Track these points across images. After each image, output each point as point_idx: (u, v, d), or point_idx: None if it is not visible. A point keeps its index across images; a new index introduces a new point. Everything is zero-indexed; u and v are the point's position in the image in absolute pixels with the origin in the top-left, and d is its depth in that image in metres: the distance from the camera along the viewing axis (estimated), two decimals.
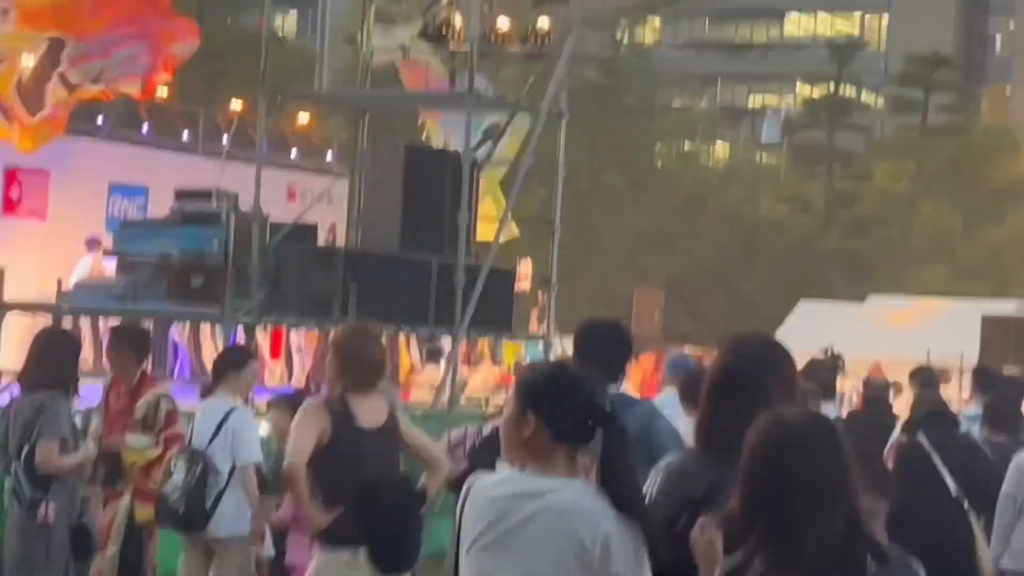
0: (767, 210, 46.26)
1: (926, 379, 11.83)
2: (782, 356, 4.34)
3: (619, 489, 3.82)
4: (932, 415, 9.21)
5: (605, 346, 5.85)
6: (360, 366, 6.72)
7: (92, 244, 19.04)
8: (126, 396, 8.90)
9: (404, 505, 6.67)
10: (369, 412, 6.71)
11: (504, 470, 3.93)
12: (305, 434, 6.61)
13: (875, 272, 40.88)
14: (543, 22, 16.33)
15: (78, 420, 8.64)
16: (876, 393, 12.46)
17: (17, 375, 8.42)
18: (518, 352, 20.87)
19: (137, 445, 8.67)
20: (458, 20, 15.93)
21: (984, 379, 11.63)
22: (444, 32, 15.99)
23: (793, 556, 3.52)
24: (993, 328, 23.18)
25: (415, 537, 6.76)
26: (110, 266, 16.90)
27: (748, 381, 4.19)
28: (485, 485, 3.92)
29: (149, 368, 9.93)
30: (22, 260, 19.57)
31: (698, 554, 3.77)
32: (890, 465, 9.69)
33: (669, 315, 25.73)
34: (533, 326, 19.56)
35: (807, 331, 24.31)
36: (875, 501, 12.05)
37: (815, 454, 3.56)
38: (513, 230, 18.83)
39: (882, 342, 25.30)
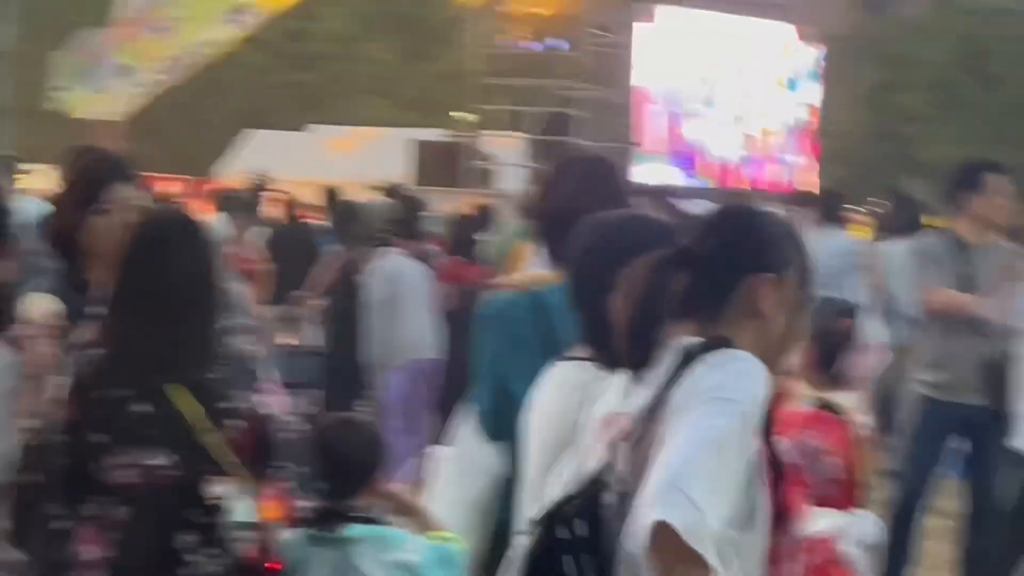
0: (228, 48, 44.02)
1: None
2: None
3: None
4: None
5: None
6: None
7: None
8: None
9: None
10: None
11: None
12: None
13: (320, 104, 39.64)
14: None
15: None
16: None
17: None
18: None
19: None
20: None
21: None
22: None
23: None
24: (426, 152, 22.70)
25: None
26: None
27: None
28: None
29: None
30: None
31: None
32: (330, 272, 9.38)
33: (139, 146, 23.40)
34: None
35: (255, 158, 22.26)
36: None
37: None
38: None
39: (325, 167, 23.62)
